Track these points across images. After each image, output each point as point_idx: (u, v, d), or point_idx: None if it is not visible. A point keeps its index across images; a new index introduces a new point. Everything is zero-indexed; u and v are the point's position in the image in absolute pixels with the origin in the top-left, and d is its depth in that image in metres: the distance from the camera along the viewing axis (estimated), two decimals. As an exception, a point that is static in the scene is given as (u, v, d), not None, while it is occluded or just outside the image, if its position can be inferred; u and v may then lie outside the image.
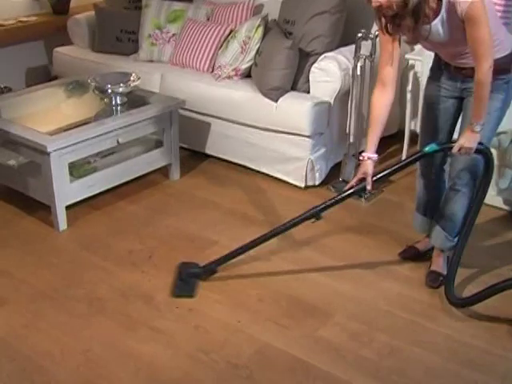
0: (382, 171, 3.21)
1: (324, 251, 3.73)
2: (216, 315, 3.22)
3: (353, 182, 3.20)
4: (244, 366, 2.90)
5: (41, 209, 4.03)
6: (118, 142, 4.11)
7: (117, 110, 4.34)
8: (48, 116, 4.43)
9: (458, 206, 3.28)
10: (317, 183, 4.43)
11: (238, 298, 3.34)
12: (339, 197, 3.25)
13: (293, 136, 4.34)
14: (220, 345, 3.03)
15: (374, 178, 3.15)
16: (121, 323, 3.17)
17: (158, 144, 4.48)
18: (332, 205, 3.27)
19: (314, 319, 3.20)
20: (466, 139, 3.01)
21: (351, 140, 4.41)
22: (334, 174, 4.50)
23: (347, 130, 4.43)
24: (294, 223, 3.35)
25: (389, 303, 3.30)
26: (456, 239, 3.35)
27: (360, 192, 3.24)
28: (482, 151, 3.07)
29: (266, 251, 3.68)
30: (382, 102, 3.11)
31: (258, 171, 4.59)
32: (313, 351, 2.99)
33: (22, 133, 3.87)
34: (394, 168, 3.21)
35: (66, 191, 3.90)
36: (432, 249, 3.55)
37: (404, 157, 4.66)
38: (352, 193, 3.21)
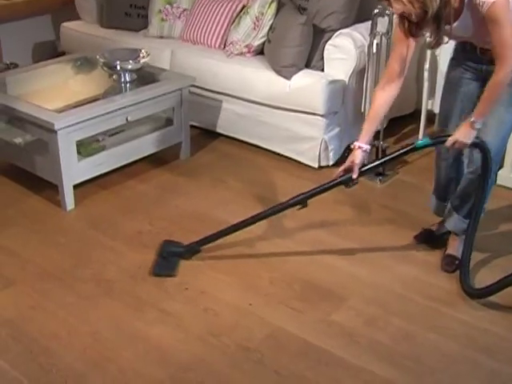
0: (372, 162, 3.23)
1: (338, 233, 3.71)
2: (226, 298, 3.21)
3: (340, 171, 3.19)
4: (255, 349, 2.89)
5: (48, 188, 4.02)
6: (127, 119, 4.08)
7: (126, 87, 4.32)
8: (55, 93, 4.41)
9: (473, 187, 3.25)
10: (330, 163, 4.40)
11: (250, 281, 3.33)
12: (325, 185, 3.25)
13: (306, 115, 4.31)
14: (231, 328, 3.01)
15: (363, 169, 3.15)
16: (129, 305, 3.16)
17: (168, 122, 4.46)
18: (318, 193, 3.27)
19: (327, 303, 3.18)
20: (462, 134, 2.97)
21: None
22: (348, 154, 4.44)
23: (362, 110, 4.39)
24: (279, 209, 3.35)
25: (405, 288, 3.28)
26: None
27: (347, 181, 3.20)
28: (478, 145, 3.02)
29: (277, 232, 3.67)
30: (385, 96, 3.11)
31: (270, 151, 4.57)
32: (326, 336, 2.97)
33: (28, 110, 3.86)
34: (382, 160, 3.25)
35: (73, 170, 3.88)
36: (448, 232, 3.52)
37: (420, 137, 4.63)
38: (338, 182, 3.20)
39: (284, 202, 3.33)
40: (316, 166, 4.38)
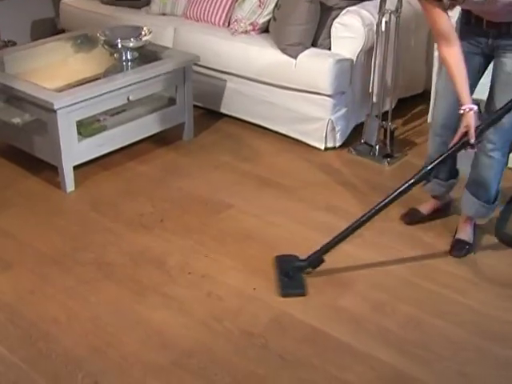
0: (486, 121, 3.08)
1: (345, 216, 3.68)
2: (230, 282, 3.20)
3: (456, 138, 3.07)
4: (259, 334, 2.89)
5: (47, 169, 4.01)
6: (128, 99, 4.06)
7: (127, 66, 4.30)
8: (55, 71, 4.39)
9: (491, 173, 3.24)
10: (337, 145, 4.39)
11: (254, 264, 3.32)
12: (447, 153, 3.12)
13: (312, 95, 4.28)
14: (234, 313, 3.01)
15: (479, 129, 3.03)
16: (130, 289, 3.15)
17: (171, 102, 4.44)
18: (441, 162, 3.13)
19: (334, 288, 3.17)
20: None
21: (374, 100, 4.35)
22: (355, 136, 4.45)
23: (370, 90, 4.37)
24: (404, 191, 3.17)
25: (413, 273, 3.27)
26: (495, 205, 3.34)
27: (464, 147, 3.06)
28: None
29: (283, 215, 3.66)
30: (452, 53, 2.96)
31: (276, 131, 4.55)
32: (332, 321, 2.97)
33: (27, 89, 3.84)
34: (502, 112, 3.06)
35: (73, 151, 3.87)
36: (437, 211, 3.56)
37: (429, 118, 4.60)
38: (457, 149, 3.08)
39: (409, 181, 3.15)
40: (322, 147, 4.36)
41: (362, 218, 3.18)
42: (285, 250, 3.40)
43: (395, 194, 3.17)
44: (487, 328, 2.95)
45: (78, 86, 3.94)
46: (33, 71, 4.25)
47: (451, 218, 3.59)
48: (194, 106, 4.56)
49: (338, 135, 4.36)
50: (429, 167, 3.13)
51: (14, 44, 5.20)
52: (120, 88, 3.99)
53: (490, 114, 3.12)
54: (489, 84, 3.17)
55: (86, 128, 4.02)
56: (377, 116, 4.31)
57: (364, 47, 4.26)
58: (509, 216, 3.26)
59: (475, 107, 3.01)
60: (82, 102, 3.81)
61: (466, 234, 3.41)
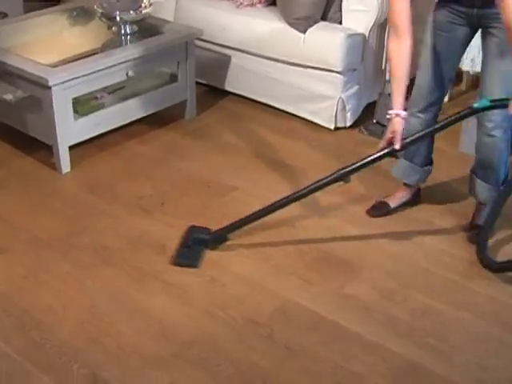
0: (418, 132, 3.16)
1: (355, 200, 3.70)
2: (234, 268, 3.21)
3: (382, 144, 3.14)
4: (264, 323, 2.90)
5: (41, 149, 4.01)
6: (127, 75, 4.06)
7: (126, 40, 4.29)
8: (49, 46, 4.38)
9: (495, 153, 3.24)
10: (348, 124, 4.38)
11: (258, 250, 3.33)
12: (368, 159, 3.18)
13: (322, 72, 4.27)
14: (238, 300, 3.02)
15: (407, 140, 3.10)
16: (129, 275, 3.16)
17: (172, 78, 4.44)
18: (360, 167, 3.19)
19: (342, 274, 3.18)
20: None
21: (387, 77, 4.32)
22: (367, 115, 4.45)
23: (383, 66, 4.35)
24: (318, 186, 3.27)
25: (427, 259, 3.27)
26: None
27: (390, 154, 3.14)
28: None
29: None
30: (399, 51, 3.02)
31: (283, 110, 4.55)
32: (340, 309, 2.97)
33: (20, 64, 3.83)
34: (432, 128, 3.18)
35: (69, 130, 3.87)
36: (406, 204, 3.59)
37: (446, 97, 4.58)
38: (381, 156, 3.15)
39: (322, 179, 3.25)
40: (332, 127, 4.36)
41: (287, 197, 3.28)
42: (290, 235, 3.41)
43: (343, 171, 3.21)
44: (507, 318, 2.95)
45: (74, 61, 3.94)
46: (26, 45, 4.25)
47: (468, 202, 3.58)
48: (197, 83, 4.55)
49: (348, 114, 4.35)
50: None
51: (6, 16, 5.18)
52: (118, 64, 3.98)
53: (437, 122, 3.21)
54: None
55: (83, 106, 4.02)
56: (390, 94, 4.29)
57: (377, 21, 4.24)
58: (486, 237, 3.23)
59: (403, 113, 3.06)
60: (78, 78, 3.80)
61: (482, 219, 3.41)
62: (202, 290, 3.08)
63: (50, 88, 3.69)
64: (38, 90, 3.79)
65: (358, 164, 3.19)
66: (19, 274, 3.16)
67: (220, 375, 2.66)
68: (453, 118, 3.10)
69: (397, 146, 3.08)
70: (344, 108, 4.32)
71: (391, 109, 3.09)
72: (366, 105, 4.50)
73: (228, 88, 4.78)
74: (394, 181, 3.61)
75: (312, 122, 4.42)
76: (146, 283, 3.12)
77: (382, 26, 4.29)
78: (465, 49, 3.23)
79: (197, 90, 4.53)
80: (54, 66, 3.85)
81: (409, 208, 3.62)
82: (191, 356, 2.74)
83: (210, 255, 3.28)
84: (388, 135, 3.10)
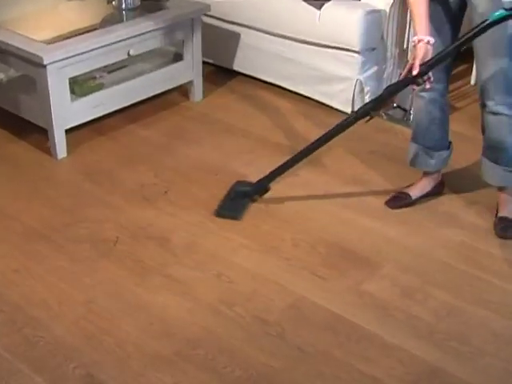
0: (437, 54, 3.12)
1: (370, 189, 3.70)
2: (242, 262, 3.22)
3: (404, 73, 3.16)
4: (275, 322, 2.90)
5: (36, 132, 4.03)
6: (128, 53, 4.06)
7: (128, 16, 4.29)
8: (44, 21, 4.37)
9: (503, 130, 3.24)
10: (366, 109, 4.37)
11: (269, 242, 3.34)
12: (388, 90, 3.30)
13: (338, 51, 4.27)
14: (247, 297, 3.03)
15: (428, 63, 3.08)
16: (130, 269, 3.17)
17: (177, 57, 4.44)
18: (382, 100, 3.34)
19: (358, 270, 3.18)
20: None
21: (410, 57, 4.32)
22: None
23: (405, 46, 4.34)
24: (346, 124, 3.39)
25: (449, 254, 3.27)
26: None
27: (409, 82, 3.16)
28: None
29: (299, 187, 3.70)
30: None
31: (296, 93, 4.55)
32: (356, 308, 2.98)
33: (12, 40, 3.84)
34: (453, 46, 3.13)
35: (65, 112, 3.88)
36: (427, 195, 3.59)
37: (473, 80, 4.58)
38: (401, 83, 3.23)
39: (350, 116, 3.40)
40: (349, 111, 4.35)
41: (312, 144, 3.47)
42: (303, 227, 3.42)
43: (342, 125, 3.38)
44: (536, 319, 2.96)
45: (71, 37, 3.94)
46: (18, 20, 4.24)
47: (495, 193, 3.57)
48: (204, 63, 4.55)
49: (367, 97, 4.34)
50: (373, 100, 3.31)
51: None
52: (119, 41, 3.98)
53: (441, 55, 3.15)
54: None
55: (81, 86, 4.03)
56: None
57: (399, -4, 4.24)
58: None
59: (428, 39, 3.05)
60: (75, 56, 3.80)
61: (509, 210, 3.40)
62: (207, 285, 3.09)
63: (44, 67, 3.69)
64: (31, 69, 3.79)
65: (379, 97, 3.33)
66: (11, 268, 3.18)
67: (226, 377, 2.66)
68: (471, 33, 3.07)
69: (414, 72, 3.08)
70: (362, 90, 4.31)
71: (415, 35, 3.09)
72: (386, 87, 4.47)
73: (237, 68, 4.78)
74: (416, 170, 3.60)
75: (327, 106, 4.42)
76: (148, 278, 3.13)
77: (404, 1, 4.27)
78: (459, 21, 3.27)
79: (203, 71, 4.53)
80: (50, 42, 3.85)
81: (431, 199, 3.61)
82: (195, 356, 2.74)
83: (215, 249, 3.29)
84: (410, 63, 3.11)
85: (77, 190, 3.70)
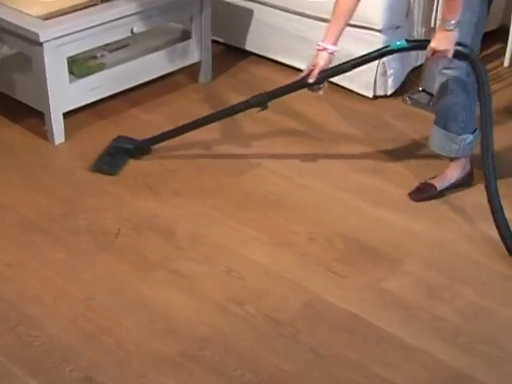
0: (336, 66, 3.43)
1: (395, 180, 3.69)
2: (254, 257, 3.22)
3: (302, 74, 3.44)
4: (288, 322, 2.90)
5: (31, 116, 4.04)
6: (132, 31, 4.06)
7: (131, -10, 4.29)
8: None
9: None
10: (389, 93, 4.37)
11: (282, 236, 3.34)
12: (285, 87, 3.57)
13: (359, 30, 4.26)
14: (258, 295, 3.03)
15: (324, 74, 3.39)
16: (132, 264, 3.18)
17: (185, 36, 4.44)
18: (277, 95, 3.60)
19: (378, 267, 3.18)
20: (438, 41, 3.11)
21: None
22: (411, 82, 4.44)
23: (432, 24, 4.33)
24: (235, 110, 3.70)
25: (478, 250, 3.27)
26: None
27: (302, 86, 3.47)
28: (463, 54, 3.14)
29: (313, 174, 3.70)
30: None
31: (313, 75, 4.54)
32: (376, 307, 2.98)
33: (5, 16, 3.83)
34: (348, 63, 3.42)
35: (64, 94, 3.89)
36: (455, 186, 3.59)
37: (507, 61, 4.57)
38: (293, 85, 3.52)
39: (242, 102, 3.65)
40: (370, 95, 4.35)
41: (222, 110, 3.79)
42: (322, 220, 3.42)
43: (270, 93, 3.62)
44: None
45: (69, 13, 3.93)
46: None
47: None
48: (214, 42, 4.56)
49: (389, 81, 4.34)
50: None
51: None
52: (122, 17, 3.99)
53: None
54: None
55: (80, 66, 4.03)
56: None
57: (425, -30, 4.23)
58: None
59: (332, 49, 3.33)
60: (74, 33, 3.80)
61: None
62: (215, 281, 3.10)
63: (41, 44, 3.69)
64: (27, 47, 3.80)
65: (277, 91, 3.60)
66: (3, 261, 3.19)
67: (235, 381, 2.67)
68: (369, 55, 3.44)
69: (310, 80, 3.38)
70: (385, 73, 4.31)
71: (322, 41, 3.35)
72: (411, 70, 4.48)
73: (249, 48, 4.78)
74: (442, 159, 3.59)
75: (347, 89, 4.42)
76: (151, 273, 3.14)
77: (431, -24, 4.27)
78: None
79: (213, 50, 4.53)
80: (47, 18, 3.84)
81: (459, 191, 3.61)
82: (202, 358, 2.75)
83: (224, 242, 3.29)
84: (309, 68, 3.39)
85: (75, 178, 3.72)
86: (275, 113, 4.19)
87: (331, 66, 3.40)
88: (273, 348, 2.79)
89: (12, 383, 2.65)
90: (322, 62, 3.34)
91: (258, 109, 3.58)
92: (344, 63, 3.43)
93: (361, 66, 3.49)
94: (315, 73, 3.35)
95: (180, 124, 3.77)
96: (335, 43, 3.32)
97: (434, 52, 3.13)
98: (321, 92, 3.45)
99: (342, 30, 3.34)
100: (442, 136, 3.50)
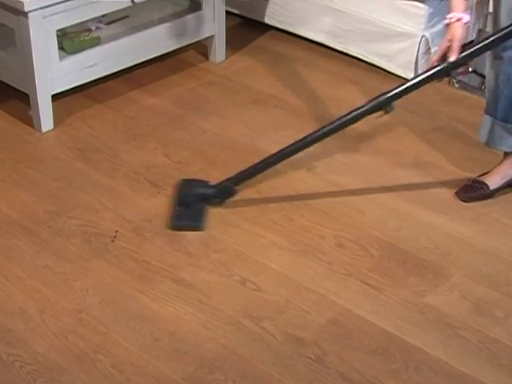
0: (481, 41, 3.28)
1: (439, 175, 3.69)
2: (272, 265, 3.23)
3: (435, 58, 3.29)
4: (312, 342, 2.90)
5: (15, 98, 4.06)
6: (132, 0, 4.07)
7: (132, -48, 4.31)
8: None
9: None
10: (433, 73, 4.36)
11: (306, 241, 3.34)
12: (415, 80, 3.34)
13: (400, 0, 4.26)
14: (278, 309, 3.03)
15: (468, 51, 3.22)
16: (131, 272, 3.19)
17: (194, 6, 4.45)
18: (406, 91, 3.34)
19: (419, 278, 3.18)
20: None
21: (490, 9, 4.30)
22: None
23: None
24: (354, 118, 3.41)
25: (536, 260, 3.27)
26: None
27: (442, 73, 3.27)
28: None
29: (345, 170, 3.72)
30: None
31: (343, 53, 4.56)
32: (416, 326, 2.97)
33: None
34: (496, 35, 3.24)
35: (52, 73, 3.90)
36: (510, 185, 3.58)
37: None
38: (432, 74, 3.28)
39: (360, 107, 3.40)
40: (410, 75, 4.33)
41: (306, 137, 3.46)
42: (351, 223, 3.42)
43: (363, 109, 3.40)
44: None
45: (59, -21, 3.96)
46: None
47: None
48: (227, 13, 4.57)
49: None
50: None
51: None
52: (121, -16, 4.01)
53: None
54: None
55: (72, 41, 4.05)
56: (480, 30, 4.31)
57: None
58: None
59: (466, 17, 3.19)
60: (64, 1, 3.81)
61: None
62: (228, 293, 3.10)
63: (25, 15, 3.70)
64: (9, 18, 3.81)
65: (401, 87, 3.34)
66: (-18, 267, 3.21)
67: (250, 410, 2.68)
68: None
69: (452, 58, 3.20)
70: (428, 50, 4.30)
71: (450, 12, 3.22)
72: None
73: (269, 21, 4.79)
74: (495, 153, 3.58)
75: (383, 70, 4.43)
76: (154, 283, 3.14)
77: None
78: None
79: (227, 23, 4.55)
80: (33, -16, 3.87)
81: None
82: (212, 382, 2.75)
83: (238, 248, 3.29)
84: (444, 44, 3.23)
85: (66, 171, 3.73)
86: (298, 97, 4.21)
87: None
88: (294, 372, 2.79)
89: (-11, 411, 2.67)
90: (459, 34, 3.19)
91: (380, 112, 3.40)
92: (487, 37, 3.30)
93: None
94: (455, 47, 3.19)
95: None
96: (466, 10, 3.23)
97: None
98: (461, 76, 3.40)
99: None
100: (498, 127, 3.49)
